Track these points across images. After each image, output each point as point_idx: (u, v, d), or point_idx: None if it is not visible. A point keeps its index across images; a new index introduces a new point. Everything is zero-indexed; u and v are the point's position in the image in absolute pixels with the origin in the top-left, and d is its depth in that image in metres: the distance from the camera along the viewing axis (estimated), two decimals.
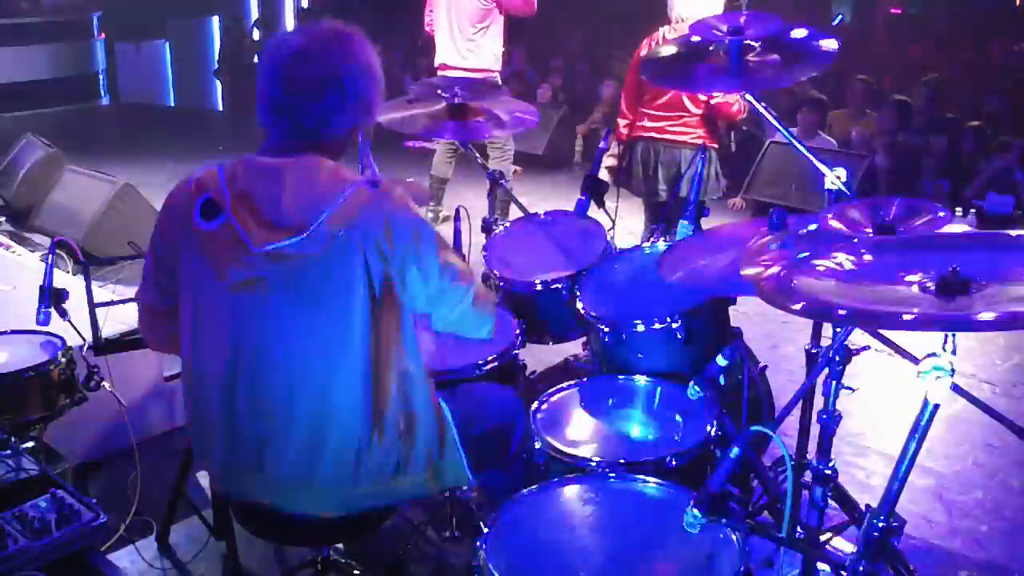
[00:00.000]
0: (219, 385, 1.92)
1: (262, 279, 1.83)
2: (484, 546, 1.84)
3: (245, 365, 1.89)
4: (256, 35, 13.61)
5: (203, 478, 2.99)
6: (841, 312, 1.44)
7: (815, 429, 2.37)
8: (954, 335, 1.48)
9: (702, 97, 4.29)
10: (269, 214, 1.81)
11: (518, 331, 2.80)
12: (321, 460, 1.91)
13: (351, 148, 2.03)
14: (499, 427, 2.33)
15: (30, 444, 2.52)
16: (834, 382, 2.16)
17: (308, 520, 1.99)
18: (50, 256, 2.60)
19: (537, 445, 2.32)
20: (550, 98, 9.29)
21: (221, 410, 1.93)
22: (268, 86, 1.89)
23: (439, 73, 5.81)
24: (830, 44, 2.60)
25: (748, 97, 2.66)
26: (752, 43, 2.65)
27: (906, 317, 1.36)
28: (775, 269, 1.64)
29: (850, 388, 2.20)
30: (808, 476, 2.37)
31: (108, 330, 2.74)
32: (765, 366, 2.89)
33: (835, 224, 1.97)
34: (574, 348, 3.25)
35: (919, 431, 1.52)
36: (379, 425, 1.92)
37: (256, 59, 12.54)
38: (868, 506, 1.88)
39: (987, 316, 1.32)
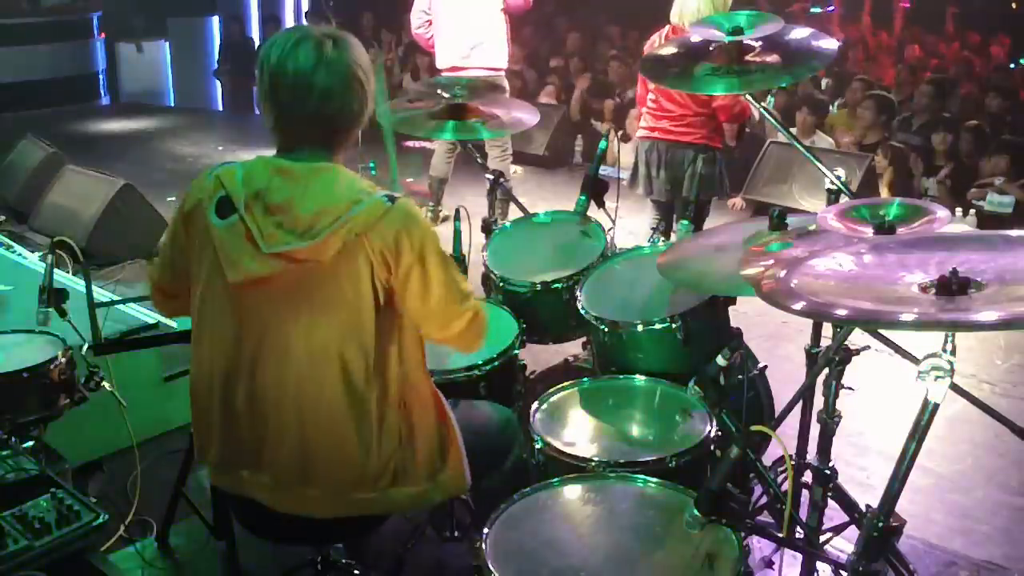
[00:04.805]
0: (219, 382, 1.93)
1: (269, 280, 1.83)
2: (484, 546, 1.84)
3: (245, 363, 1.90)
4: (256, 35, 13.58)
5: (204, 478, 2.99)
6: (841, 312, 1.44)
7: (815, 429, 2.37)
8: (954, 335, 1.48)
9: (704, 97, 4.29)
10: (283, 216, 1.82)
11: (518, 331, 2.80)
12: (316, 464, 1.91)
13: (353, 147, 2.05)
14: (494, 445, 2.32)
15: (30, 444, 2.51)
16: (834, 382, 2.16)
17: (306, 520, 1.99)
18: (50, 256, 2.60)
19: (537, 445, 2.32)
20: (550, 98, 9.27)
21: (220, 406, 1.94)
22: (293, 96, 1.88)
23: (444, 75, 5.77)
24: (830, 44, 2.60)
25: (748, 97, 2.67)
26: (752, 43, 2.65)
27: (906, 317, 1.36)
28: (775, 269, 1.64)
29: (850, 388, 2.20)
30: (808, 476, 2.38)
31: (108, 330, 2.74)
32: (765, 366, 2.89)
33: (835, 224, 1.96)
34: (574, 348, 3.25)
35: (919, 431, 1.52)
36: (378, 433, 1.92)
37: (258, 60, 12.50)
38: (868, 506, 1.88)
39: (987, 316, 1.32)
